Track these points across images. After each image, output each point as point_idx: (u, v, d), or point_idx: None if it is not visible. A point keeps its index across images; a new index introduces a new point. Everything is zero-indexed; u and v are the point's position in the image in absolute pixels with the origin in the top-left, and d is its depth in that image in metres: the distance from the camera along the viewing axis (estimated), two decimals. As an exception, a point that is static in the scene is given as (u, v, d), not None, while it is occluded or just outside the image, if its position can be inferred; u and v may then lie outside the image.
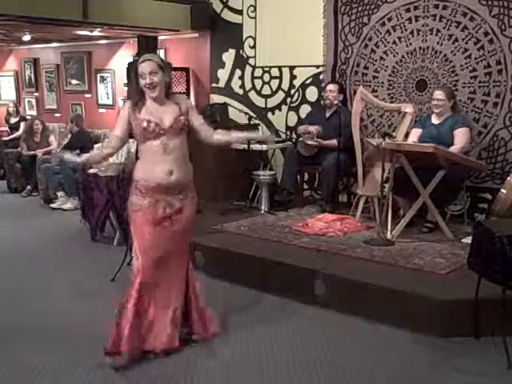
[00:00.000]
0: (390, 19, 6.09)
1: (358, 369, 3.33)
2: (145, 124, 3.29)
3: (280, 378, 3.25)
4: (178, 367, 3.32)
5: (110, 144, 3.50)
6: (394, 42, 6.10)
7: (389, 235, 5.00)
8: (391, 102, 6.10)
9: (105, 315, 4.04)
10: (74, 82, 9.96)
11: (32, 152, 8.39)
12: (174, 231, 3.40)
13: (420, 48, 5.92)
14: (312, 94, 6.84)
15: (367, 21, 6.26)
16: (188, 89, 8.04)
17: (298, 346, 3.63)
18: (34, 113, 10.59)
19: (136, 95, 3.39)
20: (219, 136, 3.56)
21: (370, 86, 6.28)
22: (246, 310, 4.17)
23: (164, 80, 3.35)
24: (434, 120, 5.34)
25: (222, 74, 7.64)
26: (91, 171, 5.83)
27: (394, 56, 6.12)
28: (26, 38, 8.96)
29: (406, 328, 3.78)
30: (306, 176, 6.68)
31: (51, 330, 3.83)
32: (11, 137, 9.51)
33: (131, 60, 7.74)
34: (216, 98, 7.66)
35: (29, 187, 8.37)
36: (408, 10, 5.95)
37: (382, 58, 6.21)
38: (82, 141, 7.66)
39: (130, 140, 5.77)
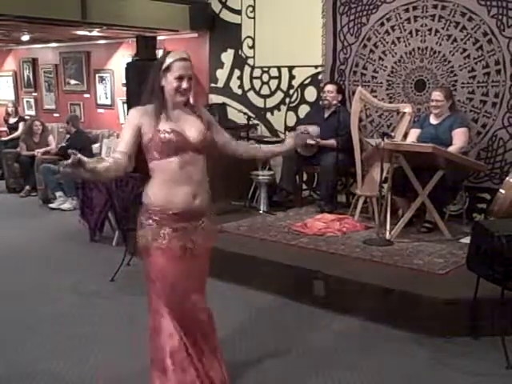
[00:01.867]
0: (388, 19, 6.10)
1: (357, 369, 3.33)
2: (168, 136, 2.67)
3: (279, 377, 3.25)
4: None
5: (117, 161, 2.65)
6: (393, 42, 6.10)
7: (388, 235, 5.00)
8: (390, 102, 6.11)
9: (104, 315, 4.06)
10: (73, 82, 9.96)
11: (31, 152, 8.38)
12: (197, 267, 2.83)
13: (419, 48, 5.93)
14: (311, 94, 6.84)
15: (366, 21, 6.26)
16: (187, 89, 8.03)
17: (297, 346, 3.63)
18: (33, 113, 10.60)
19: (157, 100, 2.74)
20: (246, 148, 3.13)
21: (368, 86, 6.29)
22: (245, 310, 4.17)
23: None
24: (433, 120, 5.34)
25: (221, 74, 7.65)
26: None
27: (393, 56, 6.12)
28: (25, 38, 8.96)
29: (404, 328, 3.78)
30: (305, 176, 6.69)
31: (50, 330, 3.83)
32: (10, 137, 9.50)
33: (130, 60, 7.75)
34: (215, 98, 7.66)
35: (27, 187, 8.37)
36: (407, 11, 5.96)
37: (380, 58, 6.22)
38: (80, 141, 7.68)
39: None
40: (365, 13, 6.27)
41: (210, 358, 2.89)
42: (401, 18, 6.01)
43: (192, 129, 2.75)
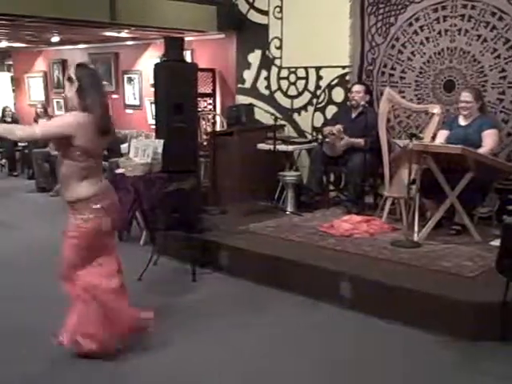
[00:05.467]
0: (417, 19, 6.04)
1: (383, 371, 3.32)
2: None
3: (302, 376, 3.25)
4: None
5: None
6: (422, 43, 6.05)
7: (416, 237, 4.95)
8: (418, 103, 6.05)
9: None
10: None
11: (60, 152, 8.48)
12: None
13: (448, 48, 5.87)
14: (338, 94, 6.81)
15: (394, 21, 6.22)
16: (214, 90, 8.09)
17: (321, 346, 3.62)
18: (62, 113, 10.72)
19: None
20: None
21: (396, 86, 6.24)
22: (270, 310, 4.17)
23: (73, 92, 3.14)
24: (462, 121, 5.28)
25: (248, 75, 7.66)
26: (118, 171, 5.88)
27: (422, 56, 6.07)
28: (55, 39, 9.08)
29: (432, 331, 3.74)
30: (332, 177, 6.66)
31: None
32: (40, 137, 9.63)
33: (158, 61, 7.80)
34: (242, 99, 7.67)
35: (57, 186, 8.46)
36: (436, 10, 5.90)
37: (409, 59, 6.17)
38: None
39: (156, 140, 5.83)
40: (393, 13, 6.23)
41: None
42: (429, 18, 5.95)
43: None
